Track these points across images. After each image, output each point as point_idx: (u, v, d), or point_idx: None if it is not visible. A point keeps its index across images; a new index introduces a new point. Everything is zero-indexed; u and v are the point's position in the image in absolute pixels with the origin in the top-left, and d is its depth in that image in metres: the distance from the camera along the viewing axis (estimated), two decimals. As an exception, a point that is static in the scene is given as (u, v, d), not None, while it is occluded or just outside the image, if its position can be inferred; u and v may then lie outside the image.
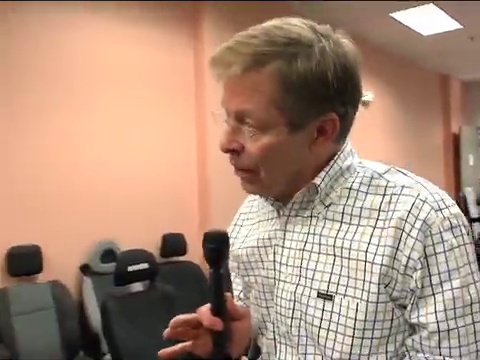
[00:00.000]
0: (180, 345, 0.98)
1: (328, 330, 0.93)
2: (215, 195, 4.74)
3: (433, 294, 0.88)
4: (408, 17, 6.24)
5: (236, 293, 1.18)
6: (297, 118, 0.90)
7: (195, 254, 4.59)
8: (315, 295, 0.94)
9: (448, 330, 0.87)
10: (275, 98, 0.89)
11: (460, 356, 0.87)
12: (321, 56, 0.89)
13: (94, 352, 3.73)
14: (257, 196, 1.12)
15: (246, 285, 1.11)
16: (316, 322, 0.94)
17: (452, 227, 0.89)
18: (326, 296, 0.93)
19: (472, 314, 0.88)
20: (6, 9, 3.69)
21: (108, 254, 4.10)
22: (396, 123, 8.04)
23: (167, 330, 0.95)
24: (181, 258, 4.60)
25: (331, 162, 0.97)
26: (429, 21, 6.41)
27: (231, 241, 1.11)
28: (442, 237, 0.88)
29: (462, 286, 0.88)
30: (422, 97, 8.66)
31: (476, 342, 0.88)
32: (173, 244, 4.54)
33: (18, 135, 3.79)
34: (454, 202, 0.93)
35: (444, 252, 0.88)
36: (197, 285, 4.35)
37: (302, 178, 0.97)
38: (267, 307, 1.05)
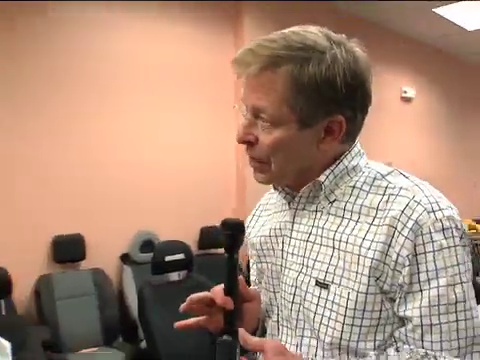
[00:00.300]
0: (195, 319, 1.08)
1: (322, 316, 1.01)
2: (251, 191, 4.80)
3: (420, 290, 0.94)
4: (452, 12, 6.12)
5: (252, 278, 1.26)
6: (306, 117, 0.98)
7: (232, 246, 4.68)
8: (314, 283, 1.02)
9: (431, 325, 0.93)
10: (287, 97, 0.96)
11: (441, 350, 0.92)
12: (332, 62, 0.96)
13: (132, 338, 3.87)
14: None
15: (259, 271, 1.20)
16: (312, 308, 1.02)
17: (443, 229, 0.94)
18: (323, 285, 1.01)
19: (456, 312, 0.93)
20: (47, 9, 3.83)
21: (147, 244, 4.23)
22: (439, 120, 7.90)
23: (183, 304, 1.05)
24: (219, 250, 4.70)
25: (337, 161, 1.04)
26: (473, 16, 6.28)
27: (248, 230, 1.22)
28: (432, 237, 0.93)
29: (448, 285, 0.93)
30: (466, 94, 8.47)
31: (458, 339, 0.93)
32: (210, 237, 4.64)
33: (63, 134, 3.96)
34: (450, 205, 0.99)
35: (433, 252, 0.93)
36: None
37: (310, 174, 1.04)
38: (274, 292, 1.13)
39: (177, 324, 1.06)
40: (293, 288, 1.06)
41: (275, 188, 1.13)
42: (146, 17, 4.39)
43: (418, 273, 0.94)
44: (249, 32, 4.81)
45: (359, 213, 1.01)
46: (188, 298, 1.05)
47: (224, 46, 4.85)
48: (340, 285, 0.99)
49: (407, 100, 7.18)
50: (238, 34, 4.89)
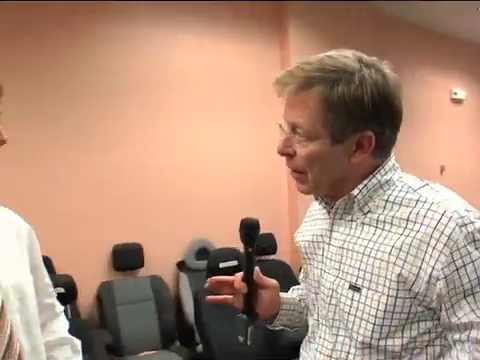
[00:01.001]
0: (223, 296, 1.29)
1: (355, 317, 1.10)
2: (303, 198, 4.83)
3: (464, 297, 1.00)
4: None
5: (300, 277, 1.42)
6: (337, 133, 1.07)
7: (285, 253, 4.73)
8: (347, 286, 1.12)
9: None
10: (319, 114, 1.06)
11: None
12: (360, 82, 1.05)
13: (189, 342, 3.97)
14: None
15: (305, 273, 1.32)
16: (346, 309, 1.11)
17: (475, 240, 1.00)
18: (355, 288, 1.10)
19: None
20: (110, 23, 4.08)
21: (202, 252, 4.34)
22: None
23: (208, 284, 1.28)
24: (271, 257, 4.74)
25: (370, 176, 1.11)
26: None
27: (296, 234, 1.35)
28: (468, 250, 0.99)
29: None
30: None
31: None
32: (264, 243, 4.66)
33: (119, 145, 4.14)
34: (478, 216, 1.04)
35: (472, 262, 0.99)
36: (285, 282, 4.42)
37: (346, 185, 1.12)
38: (315, 293, 1.23)
39: (208, 298, 1.30)
40: (330, 291, 1.16)
41: (316, 198, 1.22)
42: (196, 32, 4.54)
43: (462, 285, 1.00)
44: (294, 42, 4.86)
45: (391, 224, 1.07)
46: (212, 278, 1.28)
47: (271, 57, 4.92)
48: (370, 289, 1.07)
49: (457, 102, 7.05)
50: (284, 44, 4.95)
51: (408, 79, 5.41)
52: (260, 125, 4.83)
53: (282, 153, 1.14)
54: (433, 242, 1.00)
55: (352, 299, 1.10)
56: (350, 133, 1.06)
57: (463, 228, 1.00)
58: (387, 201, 1.10)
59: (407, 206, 1.07)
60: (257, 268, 1.23)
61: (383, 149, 1.11)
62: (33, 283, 1.35)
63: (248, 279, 1.20)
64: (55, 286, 1.57)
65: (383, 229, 1.08)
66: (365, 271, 1.08)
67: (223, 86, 4.65)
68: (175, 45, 4.44)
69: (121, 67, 4.17)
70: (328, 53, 1.10)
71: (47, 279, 1.48)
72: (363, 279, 1.09)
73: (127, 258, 3.99)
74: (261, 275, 1.27)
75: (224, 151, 4.64)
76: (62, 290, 2.92)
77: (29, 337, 1.26)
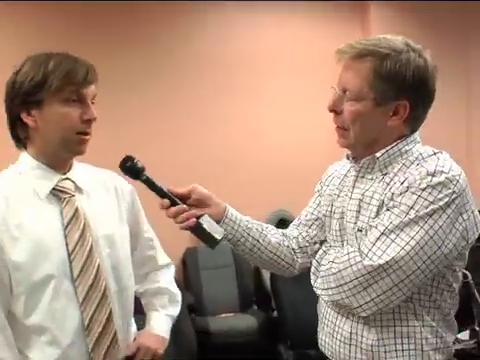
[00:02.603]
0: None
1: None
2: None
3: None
4: None
5: (310, 210, 1.59)
6: (380, 97, 1.27)
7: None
8: (356, 229, 1.32)
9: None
10: (368, 80, 1.27)
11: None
12: (405, 60, 1.26)
13: (265, 307, 4.10)
14: (337, 164, 1.56)
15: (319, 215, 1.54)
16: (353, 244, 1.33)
17: (422, 189, 1.20)
18: (361, 231, 1.31)
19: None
20: (206, 9, 4.24)
21: (282, 222, 4.39)
22: None
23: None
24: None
25: (393, 143, 1.31)
26: None
27: (322, 186, 1.57)
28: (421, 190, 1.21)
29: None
30: None
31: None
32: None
33: (203, 119, 4.31)
34: (454, 175, 1.22)
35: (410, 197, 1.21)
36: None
37: (377, 146, 1.32)
38: (342, 241, 1.40)
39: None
40: (353, 236, 1.35)
41: (347, 157, 1.43)
42: (278, 11, 4.55)
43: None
44: (376, 26, 4.74)
45: (400, 183, 1.26)
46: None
47: (351, 37, 4.81)
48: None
49: None
50: (365, 28, 4.83)
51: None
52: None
53: (331, 109, 1.33)
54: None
55: (356, 237, 1.32)
56: (391, 99, 1.27)
57: (424, 178, 1.21)
58: (402, 166, 1.29)
59: (412, 169, 1.27)
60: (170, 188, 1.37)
61: (413, 121, 1.32)
62: (133, 237, 1.56)
63: (163, 196, 1.34)
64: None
65: (388, 185, 1.29)
66: (369, 217, 1.29)
67: (302, 67, 4.64)
68: (255, 26, 4.49)
69: (206, 51, 4.30)
70: (384, 35, 1.31)
71: (147, 234, 1.66)
72: (367, 223, 1.30)
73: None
74: (173, 188, 1.37)
75: (302, 126, 4.65)
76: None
77: (117, 280, 1.45)
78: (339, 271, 1.25)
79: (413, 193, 1.21)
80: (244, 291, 4.12)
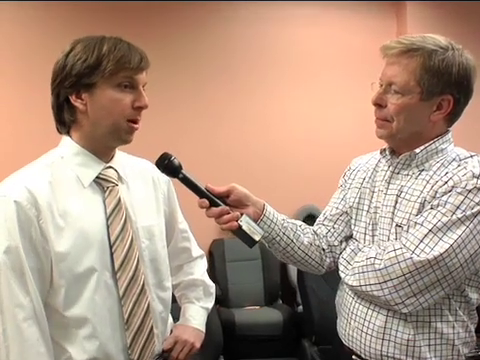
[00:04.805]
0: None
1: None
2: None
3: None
4: None
5: (335, 205, 1.55)
6: (427, 91, 1.29)
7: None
8: (394, 225, 1.33)
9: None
10: (416, 74, 1.29)
11: None
12: (451, 57, 1.29)
13: (290, 302, 4.06)
14: (361, 158, 1.57)
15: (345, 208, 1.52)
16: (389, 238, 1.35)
17: (468, 190, 1.23)
18: (400, 226, 1.32)
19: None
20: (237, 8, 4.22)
21: (310, 217, 4.34)
22: None
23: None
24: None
25: (431, 141, 1.34)
26: None
27: (347, 179, 1.56)
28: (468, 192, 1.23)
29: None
30: None
31: None
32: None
33: (242, 110, 4.27)
34: None
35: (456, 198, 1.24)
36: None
37: (416, 141, 1.34)
38: (372, 235, 1.40)
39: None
40: (387, 231, 1.36)
41: (382, 151, 1.44)
42: (311, 6, 4.48)
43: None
44: (412, 20, 4.59)
45: (436, 182, 1.29)
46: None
47: (388, 34, 4.71)
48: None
49: None
50: (400, 21, 4.70)
51: None
52: (370, 97, 4.68)
53: (375, 103, 1.35)
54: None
55: (396, 233, 1.32)
56: (436, 94, 1.30)
57: (470, 180, 1.24)
58: (441, 165, 1.32)
59: (450, 169, 1.29)
60: (209, 185, 1.34)
61: (452, 117, 1.36)
62: (168, 228, 1.50)
63: (202, 196, 1.30)
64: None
65: (428, 183, 1.31)
66: (411, 213, 1.31)
67: (337, 60, 4.56)
68: (289, 19, 4.42)
69: (241, 45, 4.29)
70: (429, 34, 1.34)
71: (182, 225, 1.61)
72: (407, 220, 1.30)
73: (239, 219, 4.09)
74: (212, 186, 1.34)
75: (336, 120, 4.57)
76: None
77: (155, 272, 1.40)
78: (385, 267, 1.26)
79: (459, 194, 1.24)
80: (270, 284, 4.07)
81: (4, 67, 3.72)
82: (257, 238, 1.29)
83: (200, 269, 1.66)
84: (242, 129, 4.29)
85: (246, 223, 1.29)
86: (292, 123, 4.46)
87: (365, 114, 4.64)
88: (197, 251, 1.67)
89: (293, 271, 4.01)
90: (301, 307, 3.74)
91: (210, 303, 1.64)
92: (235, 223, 1.28)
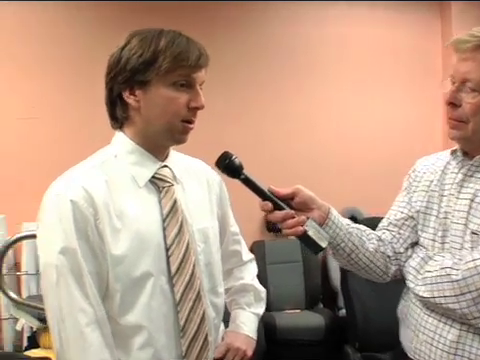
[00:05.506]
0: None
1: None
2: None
3: None
4: None
5: (400, 210, 1.42)
6: None
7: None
8: (469, 232, 1.21)
9: None
10: None
11: None
12: None
13: (331, 305, 3.96)
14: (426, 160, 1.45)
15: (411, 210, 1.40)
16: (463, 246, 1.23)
17: None
18: (477, 234, 1.20)
19: None
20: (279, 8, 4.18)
21: (352, 220, 4.21)
22: None
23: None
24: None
25: None
26: None
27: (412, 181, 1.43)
28: None
29: None
30: None
31: None
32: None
33: (286, 109, 4.22)
34: None
35: None
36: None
37: None
38: (442, 242, 1.29)
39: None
40: (461, 238, 1.24)
41: (452, 152, 1.34)
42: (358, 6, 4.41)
43: None
44: (457, 18, 4.46)
45: None
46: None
47: (431, 31, 4.60)
48: None
49: None
50: (445, 18, 4.56)
51: None
52: (417, 97, 4.58)
53: (449, 102, 1.24)
54: None
55: (471, 241, 1.20)
56: None
57: None
58: None
59: None
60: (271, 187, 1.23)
61: None
62: (220, 231, 1.42)
63: (265, 198, 1.21)
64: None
65: None
66: None
67: (383, 59, 4.47)
68: (335, 19, 4.37)
69: (284, 43, 4.25)
70: None
71: (233, 228, 1.52)
72: None
73: (281, 221, 4.03)
74: (275, 188, 1.24)
75: (378, 123, 4.47)
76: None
77: (210, 277, 1.32)
78: (463, 278, 1.15)
79: None
80: (311, 288, 3.98)
81: (48, 66, 3.75)
82: (324, 245, 1.19)
83: (250, 273, 1.57)
84: (285, 128, 4.23)
85: (312, 228, 1.19)
86: (337, 123, 4.38)
87: (411, 114, 4.61)
88: (247, 255, 1.58)
89: (334, 274, 3.93)
90: (342, 311, 3.67)
91: (261, 309, 1.55)
92: (300, 228, 1.18)
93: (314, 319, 3.68)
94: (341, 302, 3.72)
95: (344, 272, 3.11)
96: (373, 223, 3.29)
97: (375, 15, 4.47)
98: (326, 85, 4.34)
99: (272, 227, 4.03)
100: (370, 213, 3.81)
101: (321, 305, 4.02)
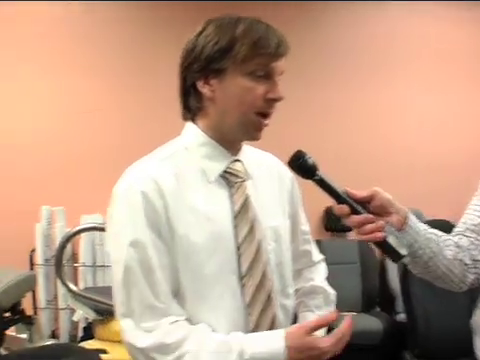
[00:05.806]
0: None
1: None
2: None
3: None
4: None
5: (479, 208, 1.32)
6: None
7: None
8: None
9: None
10: None
11: None
12: None
13: (389, 309, 3.85)
14: None
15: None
16: None
17: None
18: None
19: None
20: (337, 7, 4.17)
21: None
22: None
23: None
24: None
25: None
26: None
27: None
28: None
29: None
30: None
31: None
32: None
33: (351, 105, 4.21)
34: None
35: None
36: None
37: None
38: None
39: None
40: None
41: None
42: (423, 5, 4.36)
43: None
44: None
45: None
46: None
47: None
48: None
49: None
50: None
51: None
52: (472, 99, 4.46)
53: None
54: None
55: None
56: None
57: None
58: None
59: None
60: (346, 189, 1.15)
61: None
62: (290, 229, 1.35)
63: (341, 201, 1.13)
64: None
65: None
66: None
67: (442, 55, 4.39)
68: (401, 15, 4.33)
69: (345, 40, 4.27)
70: None
71: (304, 227, 1.45)
72: None
73: (339, 220, 3.94)
74: (352, 190, 1.15)
75: (433, 122, 4.38)
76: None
77: (280, 277, 1.27)
78: None
79: None
80: (368, 290, 3.89)
81: (113, 64, 3.84)
82: (404, 252, 1.10)
83: (320, 275, 1.49)
84: (349, 127, 4.21)
85: (392, 234, 1.11)
86: (403, 122, 4.33)
87: (472, 117, 4.44)
88: (317, 255, 1.51)
89: (392, 276, 3.82)
90: (401, 315, 3.56)
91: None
92: (379, 234, 1.09)
93: (371, 323, 3.58)
94: (399, 306, 3.62)
95: (404, 274, 3.00)
96: (436, 226, 3.19)
97: (437, 14, 4.40)
98: (390, 84, 4.29)
99: (330, 226, 3.97)
100: (433, 215, 3.67)
101: (378, 308, 3.93)
